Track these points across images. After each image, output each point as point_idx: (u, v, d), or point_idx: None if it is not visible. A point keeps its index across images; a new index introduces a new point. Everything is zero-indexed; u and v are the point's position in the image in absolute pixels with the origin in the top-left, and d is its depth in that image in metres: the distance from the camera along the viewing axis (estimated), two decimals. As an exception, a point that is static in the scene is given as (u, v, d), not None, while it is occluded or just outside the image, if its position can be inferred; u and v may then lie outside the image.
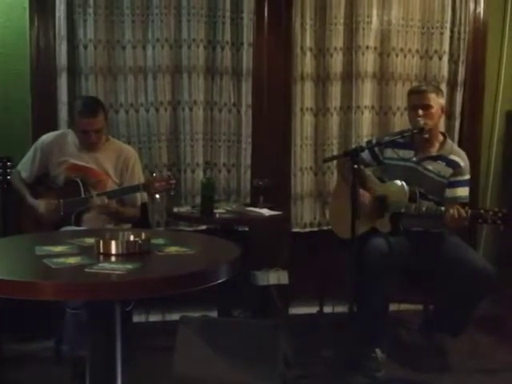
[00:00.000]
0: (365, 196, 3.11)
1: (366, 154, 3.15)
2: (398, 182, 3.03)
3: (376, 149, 3.20)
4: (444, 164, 3.11)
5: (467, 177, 3.13)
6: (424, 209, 2.90)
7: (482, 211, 2.73)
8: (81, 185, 3.06)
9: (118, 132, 3.55)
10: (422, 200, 2.97)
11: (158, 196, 2.96)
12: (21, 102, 3.50)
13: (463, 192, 3.10)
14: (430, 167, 3.12)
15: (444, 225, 2.88)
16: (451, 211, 2.76)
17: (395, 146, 3.15)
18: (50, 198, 3.11)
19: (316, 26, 3.74)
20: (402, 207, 2.96)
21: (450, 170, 3.10)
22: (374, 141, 3.28)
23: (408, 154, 3.15)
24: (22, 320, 2.98)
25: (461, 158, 3.14)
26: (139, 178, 3.19)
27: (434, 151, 3.15)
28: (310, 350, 3.11)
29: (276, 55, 3.76)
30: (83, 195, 3.04)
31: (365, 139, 3.71)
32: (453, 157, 3.13)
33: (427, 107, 3.05)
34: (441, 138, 3.19)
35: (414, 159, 3.14)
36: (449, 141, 3.22)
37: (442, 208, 2.84)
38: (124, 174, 3.18)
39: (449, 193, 3.10)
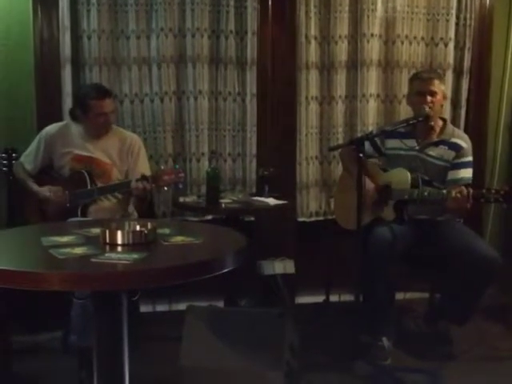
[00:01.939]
0: (368, 186, 3.10)
1: (367, 146, 3.13)
2: (400, 170, 3.03)
3: (378, 139, 3.18)
4: (446, 148, 3.10)
5: (470, 158, 3.12)
6: (426, 194, 2.89)
7: (484, 190, 2.71)
8: (87, 176, 3.07)
9: (123, 122, 3.55)
10: (425, 186, 2.96)
11: (166, 188, 2.95)
12: (25, 94, 3.50)
13: (466, 173, 3.09)
14: (432, 153, 3.11)
15: (446, 208, 2.85)
16: (453, 192, 2.74)
17: (397, 135, 3.14)
18: (56, 188, 3.14)
19: (320, 13, 3.72)
20: (405, 194, 2.95)
21: (452, 153, 3.09)
22: (374, 131, 3.26)
23: (410, 142, 3.14)
24: (29, 311, 3.00)
25: (463, 141, 3.12)
26: (144, 165, 3.19)
27: (434, 137, 3.14)
28: (316, 339, 3.11)
29: (280, 44, 3.74)
30: (89, 187, 3.05)
31: (370, 128, 3.70)
32: (455, 140, 3.11)
33: (434, 94, 3.05)
34: (440, 123, 3.18)
35: (417, 147, 3.13)
36: (449, 125, 3.21)
37: (444, 191, 2.82)
38: (129, 158, 3.18)
39: (452, 175, 3.08)
